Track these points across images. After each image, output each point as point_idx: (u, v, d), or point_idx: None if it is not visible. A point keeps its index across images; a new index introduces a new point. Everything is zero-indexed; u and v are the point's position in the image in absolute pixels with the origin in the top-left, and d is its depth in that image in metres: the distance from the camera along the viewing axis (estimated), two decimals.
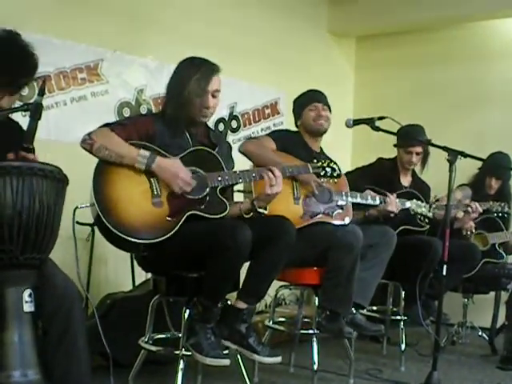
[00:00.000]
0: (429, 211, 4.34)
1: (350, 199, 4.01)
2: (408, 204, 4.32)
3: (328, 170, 3.64)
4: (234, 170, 3.38)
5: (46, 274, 2.36)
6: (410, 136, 4.62)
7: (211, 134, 3.42)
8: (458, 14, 6.07)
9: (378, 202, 4.18)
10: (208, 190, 3.17)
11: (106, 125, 3.15)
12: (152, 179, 3.10)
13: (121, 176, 3.06)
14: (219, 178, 3.19)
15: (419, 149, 4.73)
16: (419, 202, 4.36)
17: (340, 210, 3.96)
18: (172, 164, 3.10)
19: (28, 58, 2.66)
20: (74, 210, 3.01)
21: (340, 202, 3.96)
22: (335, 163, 3.70)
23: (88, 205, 3.07)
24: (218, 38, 5.43)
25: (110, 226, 2.93)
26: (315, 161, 3.70)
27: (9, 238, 2.19)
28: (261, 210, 3.29)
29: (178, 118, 3.23)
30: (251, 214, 3.31)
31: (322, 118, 4.07)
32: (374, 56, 6.98)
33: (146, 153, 3.07)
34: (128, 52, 4.94)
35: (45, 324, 2.34)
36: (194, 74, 3.21)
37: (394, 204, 4.21)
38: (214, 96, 3.26)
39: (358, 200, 4.07)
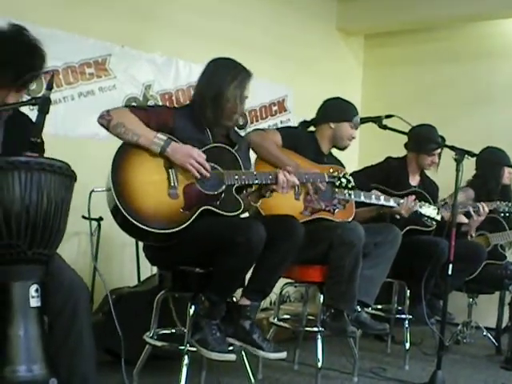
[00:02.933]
0: (437, 214, 4.34)
1: (353, 197, 3.99)
2: (417, 207, 4.31)
3: (343, 180, 3.64)
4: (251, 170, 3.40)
5: (52, 269, 2.36)
6: (429, 139, 4.63)
7: (231, 133, 3.44)
8: (465, 12, 6.07)
9: (384, 202, 4.18)
10: (224, 187, 3.18)
11: (127, 106, 3.17)
12: (170, 170, 3.12)
13: (140, 164, 3.07)
14: (236, 177, 3.21)
15: (439, 149, 4.74)
16: (427, 205, 4.35)
17: (342, 208, 3.97)
18: (186, 147, 3.13)
19: (35, 54, 2.65)
20: (90, 193, 3.00)
21: (342, 199, 3.97)
22: (351, 175, 3.69)
23: (104, 189, 3.06)
24: (226, 34, 5.43)
25: (123, 211, 2.94)
26: (331, 170, 3.70)
27: (16, 233, 2.19)
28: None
29: (209, 120, 3.26)
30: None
31: (352, 140, 4.12)
32: (382, 54, 6.97)
33: (164, 136, 3.09)
34: (136, 47, 4.94)
35: (51, 319, 2.34)
36: (233, 80, 3.25)
37: (405, 209, 4.22)
38: (242, 102, 3.31)
39: (362, 199, 4.07)
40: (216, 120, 3.27)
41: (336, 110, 4.15)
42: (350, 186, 3.66)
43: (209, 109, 3.24)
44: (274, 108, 6.09)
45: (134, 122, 3.08)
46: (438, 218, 4.34)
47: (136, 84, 4.97)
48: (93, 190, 3.03)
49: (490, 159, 5.09)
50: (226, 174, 3.20)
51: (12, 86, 2.61)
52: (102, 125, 3.09)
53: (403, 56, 6.81)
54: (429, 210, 4.32)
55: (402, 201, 4.23)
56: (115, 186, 2.97)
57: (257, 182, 3.27)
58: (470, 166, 4.14)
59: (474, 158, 4.07)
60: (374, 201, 4.15)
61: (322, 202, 3.91)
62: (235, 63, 3.32)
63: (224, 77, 3.25)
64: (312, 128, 4.22)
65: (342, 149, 4.14)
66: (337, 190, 3.70)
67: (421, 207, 4.30)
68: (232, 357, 3.05)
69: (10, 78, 2.58)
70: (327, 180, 3.63)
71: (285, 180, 3.26)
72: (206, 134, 3.30)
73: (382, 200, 4.19)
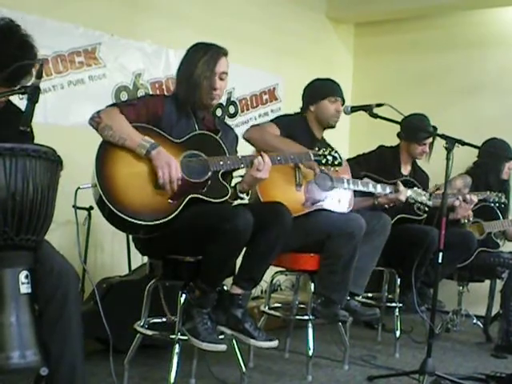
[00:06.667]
0: (428, 199, 4.33)
1: (351, 186, 4.01)
2: (409, 192, 4.30)
3: (329, 158, 3.63)
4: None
5: (42, 256, 2.35)
6: (419, 128, 4.62)
7: (216, 121, 3.45)
8: (456, 1, 6.07)
9: (381, 190, 4.18)
10: (210, 174, 3.17)
11: (116, 104, 3.18)
12: None
13: (123, 158, 3.06)
14: (221, 163, 3.19)
15: (431, 139, 4.74)
16: (419, 191, 4.35)
17: (341, 198, 3.97)
18: (170, 157, 3.10)
19: (27, 53, 2.63)
20: (76, 191, 3.00)
21: (341, 189, 3.97)
22: (336, 152, 3.69)
23: (90, 185, 3.07)
24: (216, 23, 5.41)
25: (111, 206, 2.93)
26: (316, 149, 3.68)
27: (3, 219, 2.18)
28: (241, 195, 3.28)
29: (188, 101, 3.28)
30: (235, 198, 3.31)
31: (339, 113, 4.09)
32: (373, 42, 6.96)
33: (150, 140, 3.09)
34: (126, 36, 4.92)
35: (41, 306, 2.34)
36: (202, 56, 3.26)
37: (403, 193, 4.22)
38: (221, 78, 3.29)
39: (360, 188, 4.07)
40: (194, 99, 3.27)
41: (311, 92, 4.14)
42: (336, 162, 3.64)
43: (184, 90, 3.27)
44: (265, 97, 6.08)
45: (121, 123, 3.08)
46: (430, 203, 4.35)
47: (126, 73, 4.95)
48: (79, 188, 3.03)
49: (493, 151, 5.08)
50: (211, 161, 3.19)
51: (4, 83, 2.60)
52: (92, 126, 3.10)
53: (393, 44, 6.80)
54: (420, 196, 4.33)
55: (401, 188, 4.21)
56: (101, 181, 2.96)
57: (242, 166, 3.27)
58: (466, 154, 4.13)
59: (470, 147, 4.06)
60: (371, 189, 4.15)
61: (322, 193, 3.91)
62: (207, 43, 3.34)
63: (194, 55, 3.28)
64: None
65: (333, 126, 4.13)
66: (323, 167, 3.69)
67: (413, 193, 4.30)
68: (222, 347, 3.05)
69: (3, 77, 2.57)
70: (313, 158, 3.62)
71: (260, 161, 3.22)
72: (191, 120, 3.31)
73: (379, 188, 4.19)
